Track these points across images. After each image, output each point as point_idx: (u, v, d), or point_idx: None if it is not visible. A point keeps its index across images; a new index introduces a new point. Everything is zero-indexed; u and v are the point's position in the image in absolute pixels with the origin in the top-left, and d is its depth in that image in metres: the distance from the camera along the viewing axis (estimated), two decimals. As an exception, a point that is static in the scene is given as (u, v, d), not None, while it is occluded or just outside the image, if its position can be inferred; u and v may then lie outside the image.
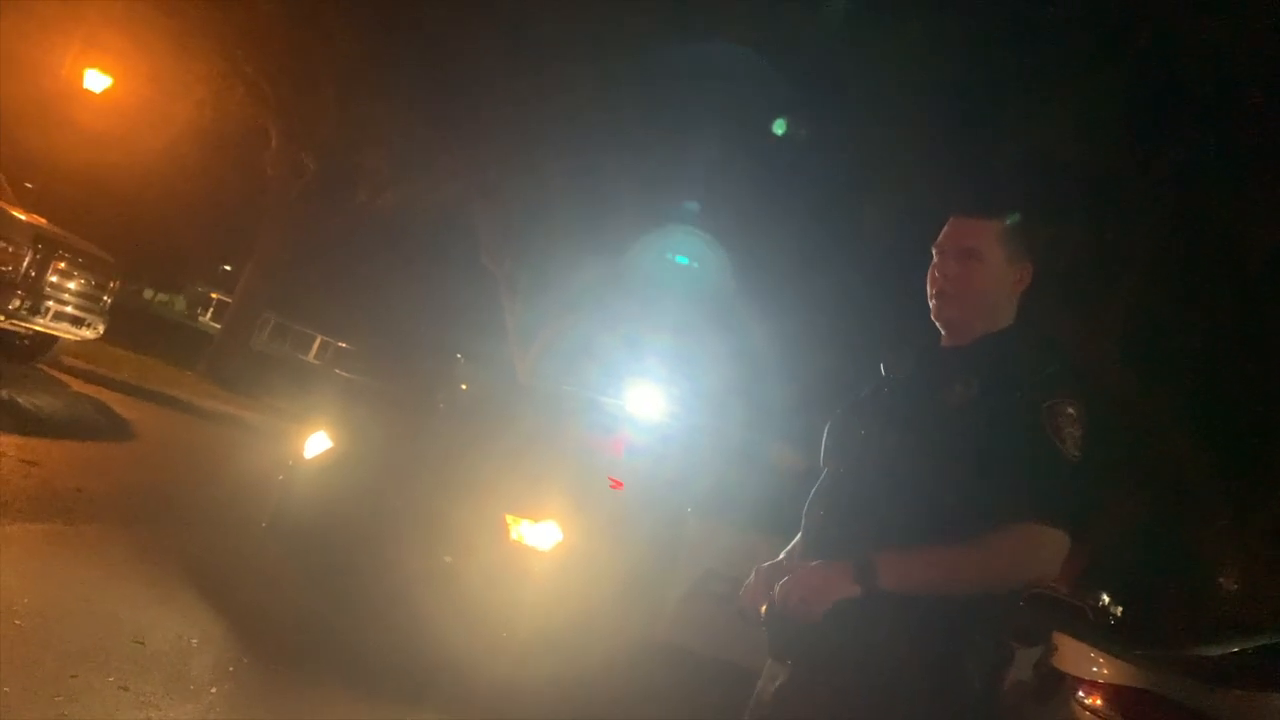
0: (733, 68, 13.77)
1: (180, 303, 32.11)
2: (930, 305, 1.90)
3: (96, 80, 13.90)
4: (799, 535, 1.95)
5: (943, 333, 1.90)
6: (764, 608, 1.78)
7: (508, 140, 14.35)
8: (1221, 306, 13.37)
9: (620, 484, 4.76)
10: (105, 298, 8.75)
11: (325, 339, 24.60)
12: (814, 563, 1.76)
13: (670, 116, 14.00)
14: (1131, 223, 13.24)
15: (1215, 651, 4.91)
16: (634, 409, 6.97)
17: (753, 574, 1.93)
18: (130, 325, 14.43)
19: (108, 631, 3.37)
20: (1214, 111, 12.51)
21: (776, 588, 1.75)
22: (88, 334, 8.76)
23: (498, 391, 10.97)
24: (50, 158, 14.21)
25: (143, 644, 3.37)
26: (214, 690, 3.23)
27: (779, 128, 14.21)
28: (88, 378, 9.51)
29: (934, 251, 1.91)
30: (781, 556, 1.97)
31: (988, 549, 1.63)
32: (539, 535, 4.10)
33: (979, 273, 1.84)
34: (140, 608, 3.73)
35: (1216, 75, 12.02)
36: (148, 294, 30.85)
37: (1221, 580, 14.47)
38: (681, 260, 15.49)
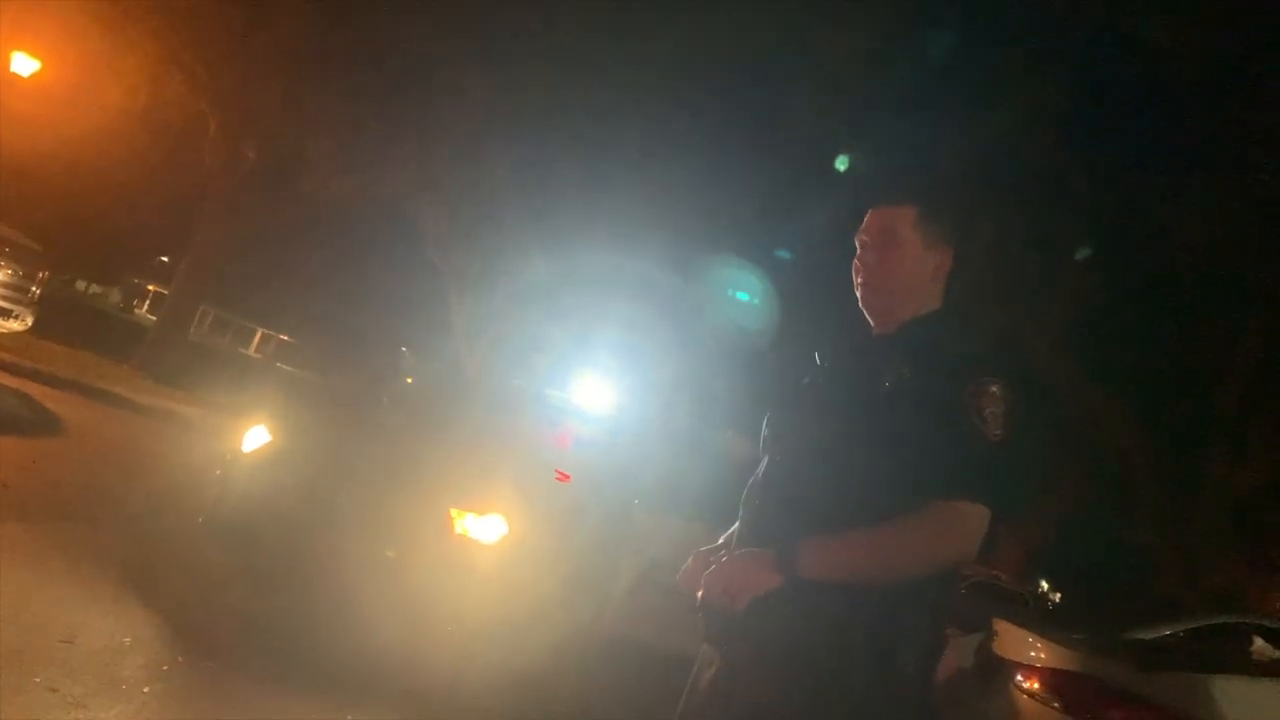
0: (674, 60, 13.80)
1: (115, 295, 31.25)
2: (856, 294, 1.94)
3: (24, 64, 13.44)
4: (737, 522, 1.95)
5: (871, 321, 1.93)
6: (699, 594, 1.78)
7: (455, 132, 14.20)
8: (1158, 292, 13.74)
9: (567, 477, 4.74)
10: (33, 289, 8.49)
11: (267, 332, 24.18)
12: (738, 553, 1.77)
13: (617, 106, 13.97)
14: (1066, 210, 13.54)
15: (1150, 635, 5.04)
16: (581, 401, 6.96)
17: (690, 558, 1.93)
18: (61, 318, 14.01)
19: (35, 632, 3.27)
20: (1147, 99, 12.85)
21: (703, 578, 1.75)
22: (14, 326, 8.49)
23: (443, 385, 10.86)
24: (-25, 144, 13.71)
25: (72, 644, 3.27)
26: (146, 690, 3.14)
27: (714, 120, 14.30)
28: (14, 371, 9.20)
29: (856, 242, 1.95)
30: (720, 542, 1.97)
31: (906, 529, 1.64)
32: (484, 528, 4.06)
33: (897, 259, 1.88)
34: (70, 607, 3.62)
35: (1150, 63, 12.33)
36: (80, 285, 29.98)
37: (1157, 564, 14.88)
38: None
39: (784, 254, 15.38)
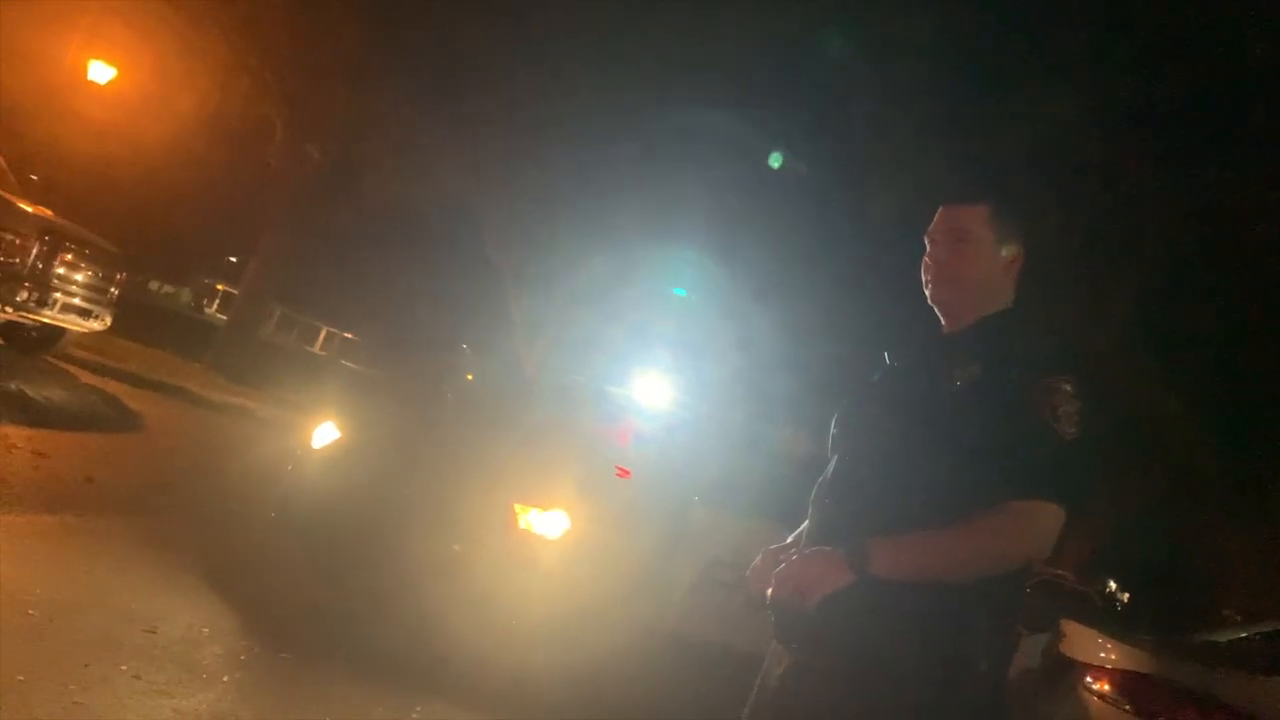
0: (736, 59, 13.76)
1: (186, 295, 32.10)
2: (926, 293, 1.93)
3: (101, 72, 13.91)
4: (806, 521, 1.96)
5: (941, 319, 1.92)
6: (769, 591, 1.79)
7: (515, 130, 14.32)
8: (1231, 292, 13.34)
9: (628, 473, 4.77)
10: (112, 289, 8.77)
11: (331, 330, 24.65)
12: (809, 551, 1.78)
13: (678, 106, 13.98)
14: (1137, 207, 13.21)
15: (1224, 637, 4.91)
16: (641, 398, 6.99)
17: (759, 557, 1.94)
18: (137, 317, 14.44)
19: (120, 621, 3.40)
20: (1217, 95, 12.47)
21: (774, 576, 1.76)
22: (95, 326, 8.79)
23: (505, 382, 10.98)
24: (55, 149, 14.23)
25: (154, 633, 3.40)
26: (225, 679, 3.25)
27: (779, 134, 14.25)
28: (96, 369, 9.54)
29: (926, 240, 1.94)
30: (789, 540, 1.98)
31: (979, 529, 1.64)
32: (547, 524, 4.11)
33: (969, 256, 1.87)
34: (151, 598, 3.76)
35: (1221, 58, 11.97)
36: (153, 286, 30.84)
37: (1229, 566, 14.47)
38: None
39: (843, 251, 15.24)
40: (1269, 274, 12.75)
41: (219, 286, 27.82)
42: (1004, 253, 1.88)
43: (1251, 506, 14.02)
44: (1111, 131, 12.76)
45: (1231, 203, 12.56)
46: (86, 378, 8.98)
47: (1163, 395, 13.91)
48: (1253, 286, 13.05)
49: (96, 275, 8.39)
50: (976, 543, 1.64)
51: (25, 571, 3.50)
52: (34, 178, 9.53)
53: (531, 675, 3.83)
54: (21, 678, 2.72)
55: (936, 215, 1.93)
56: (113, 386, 9.07)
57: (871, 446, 1.86)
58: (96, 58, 13.89)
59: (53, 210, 8.50)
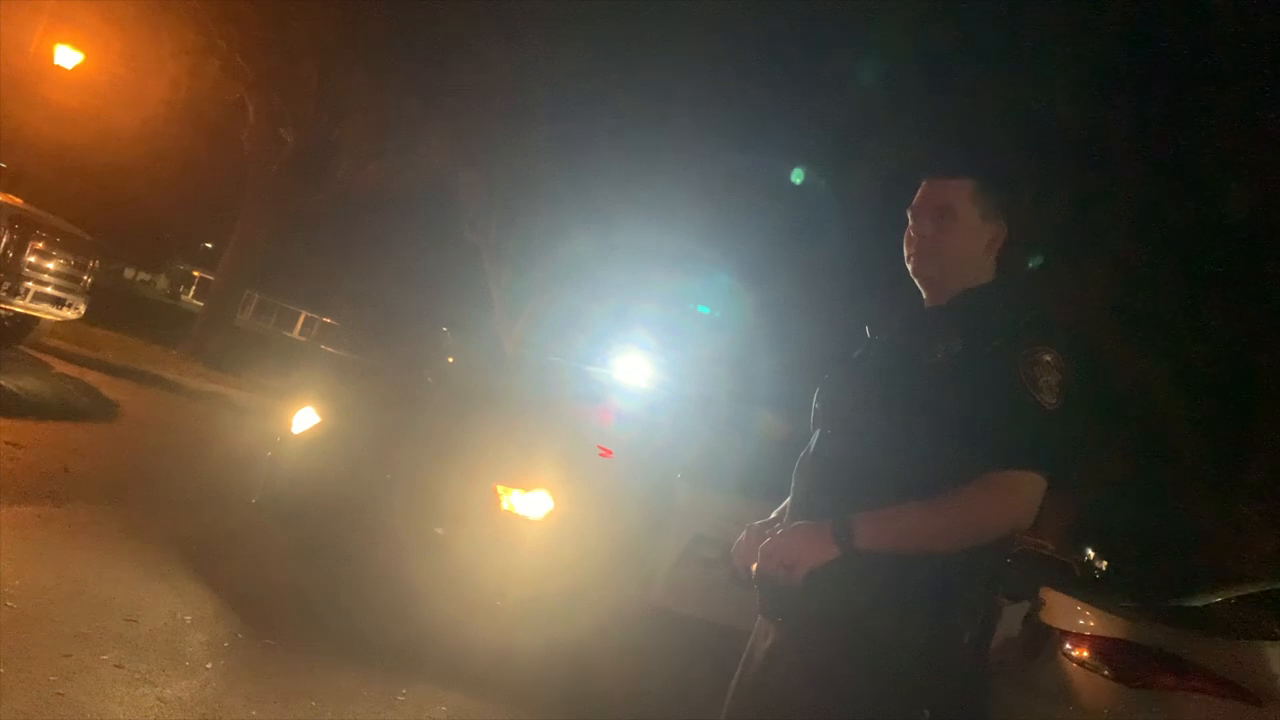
0: (716, 36, 13.68)
1: (162, 282, 31.84)
2: (908, 267, 1.93)
3: (67, 56, 13.68)
4: (789, 497, 1.96)
5: (923, 293, 1.93)
6: (754, 566, 1.79)
7: (491, 109, 14.21)
8: (1208, 264, 13.48)
9: (610, 452, 4.77)
10: (85, 278, 8.67)
11: (310, 315, 24.53)
12: (794, 525, 1.78)
13: (656, 82, 13.89)
14: (1118, 182, 13.29)
15: (1200, 602, 4.99)
16: (622, 377, 6.98)
17: (744, 533, 1.94)
18: (112, 305, 14.31)
19: (101, 611, 3.38)
20: (1198, 71, 12.54)
21: (759, 550, 1.76)
22: (69, 314, 8.69)
23: (485, 363, 10.96)
24: (23, 136, 13.99)
25: (136, 622, 3.38)
26: (209, 666, 3.24)
27: (765, 99, 14.17)
28: (71, 358, 9.45)
29: (909, 214, 1.93)
30: (773, 516, 1.98)
31: (961, 499, 1.65)
32: (530, 504, 4.11)
33: (952, 230, 1.87)
34: (132, 586, 3.74)
35: (1201, 33, 12.03)
36: (128, 273, 30.57)
37: (1206, 532, 14.68)
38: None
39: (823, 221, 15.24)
40: (1245, 245, 12.89)
41: (195, 273, 27.61)
42: (987, 228, 1.88)
43: (1225, 473, 14.22)
44: (1095, 104, 12.82)
45: (1208, 176, 12.67)
46: (61, 367, 8.89)
47: (1139, 364, 14.06)
48: (1229, 257, 13.20)
49: (69, 263, 8.29)
50: (959, 514, 1.65)
51: (3, 563, 3.47)
52: (2, 166, 9.39)
53: (516, 655, 3.84)
54: (2, 670, 2.70)
55: (920, 189, 1.93)
56: (89, 375, 8.98)
57: (853, 420, 1.86)
58: (63, 42, 13.65)
59: (22, 199, 8.38)
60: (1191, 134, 12.75)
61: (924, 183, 1.93)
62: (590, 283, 16.41)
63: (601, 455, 4.74)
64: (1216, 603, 4.61)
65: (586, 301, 16.57)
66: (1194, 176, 12.82)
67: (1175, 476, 15.28)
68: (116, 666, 2.99)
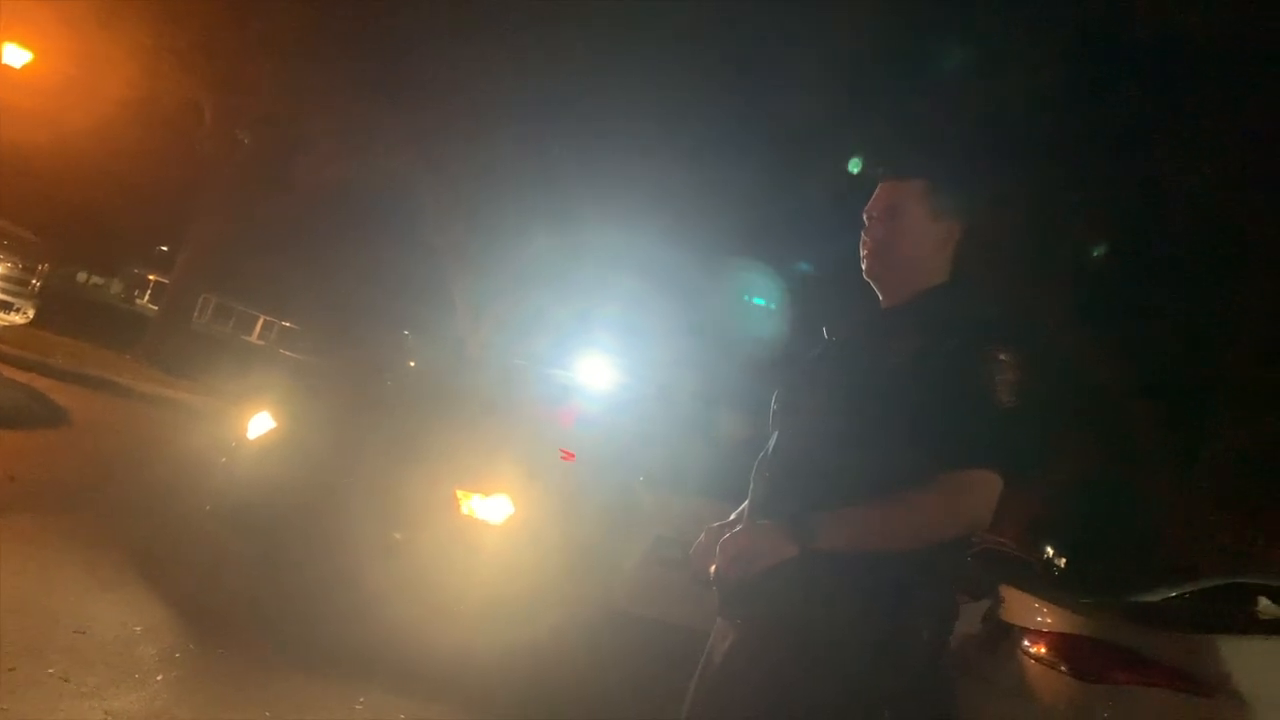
0: (679, 38, 13.71)
1: (116, 285, 31.21)
2: (863, 268, 1.94)
3: (15, 55, 13.34)
4: (748, 498, 1.96)
5: (879, 295, 1.94)
6: (713, 567, 1.79)
7: (452, 109, 14.11)
8: (1161, 259, 13.74)
9: (572, 455, 4.74)
10: (33, 281, 8.50)
11: (269, 319, 24.18)
12: (754, 523, 1.79)
13: (619, 82, 13.88)
14: (1076, 182, 13.51)
15: (1156, 597, 5.07)
16: (584, 380, 6.95)
17: (703, 534, 1.94)
18: (62, 309, 14.00)
19: (47, 623, 3.29)
20: (1158, 73, 12.79)
21: (718, 547, 1.76)
22: (16, 319, 8.50)
23: (446, 366, 10.87)
24: (-33, 138, 13.64)
25: (84, 634, 3.30)
26: (160, 678, 3.17)
27: (718, 95, 14.22)
28: (18, 364, 9.23)
29: (864, 216, 1.95)
30: (732, 517, 1.98)
31: (920, 499, 1.65)
32: (490, 509, 4.07)
33: (901, 231, 1.88)
34: (81, 598, 3.65)
35: (1157, 33, 12.28)
36: (81, 277, 29.92)
37: (1161, 528, 14.95)
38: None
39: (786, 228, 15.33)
40: (1202, 244, 13.16)
41: (150, 277, 27.04)
42: (937, 228, 1.88)
43: (1182, 468, 14.49)
44: (1054, 104, 13.02)
45: (1166, 176, 12.92)
46: (8, 372, 8.67)
47: (1096, 360, 14.29)
48: (1187, 257, 13.45)
49: (15, 266, 8.12)
50: (918, 513, 1.66)
51: (-56, 575, 3.37)
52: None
53: (476, 660, 3.80)
54: (-60, 685, 2.62)
55: (875, 191, 1.94)
56: (37, 381, 8.78)
57: (811, 422, 1.87)
58: (10, 40, 13.32)
59: (-34, 200, 8.17)
60: (1153, 136, 12.99)
61: (879, 184, 1.95)
62: (553, 284, 16.35)
63: (563, 458, 4.71)
64: (1172, 598, 4.69)
65: (549, 303, 16.51)
66: (1153, 172, 13.07)
67: (1132, 474, 15.54)
68: (63, 680, 2.91)
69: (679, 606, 4.20)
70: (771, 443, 1.94)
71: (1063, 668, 3.57)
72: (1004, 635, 3.90)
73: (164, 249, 29.53)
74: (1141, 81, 13.09)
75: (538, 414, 5.60)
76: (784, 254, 15.11)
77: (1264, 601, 4.86)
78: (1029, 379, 1.72)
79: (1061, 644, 3.63)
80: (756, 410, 2.16)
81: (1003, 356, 1.71)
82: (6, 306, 8.13)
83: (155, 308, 20.83)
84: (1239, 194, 12.43)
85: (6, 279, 8.00)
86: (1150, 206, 13.36)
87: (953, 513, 1.67)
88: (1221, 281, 13.32)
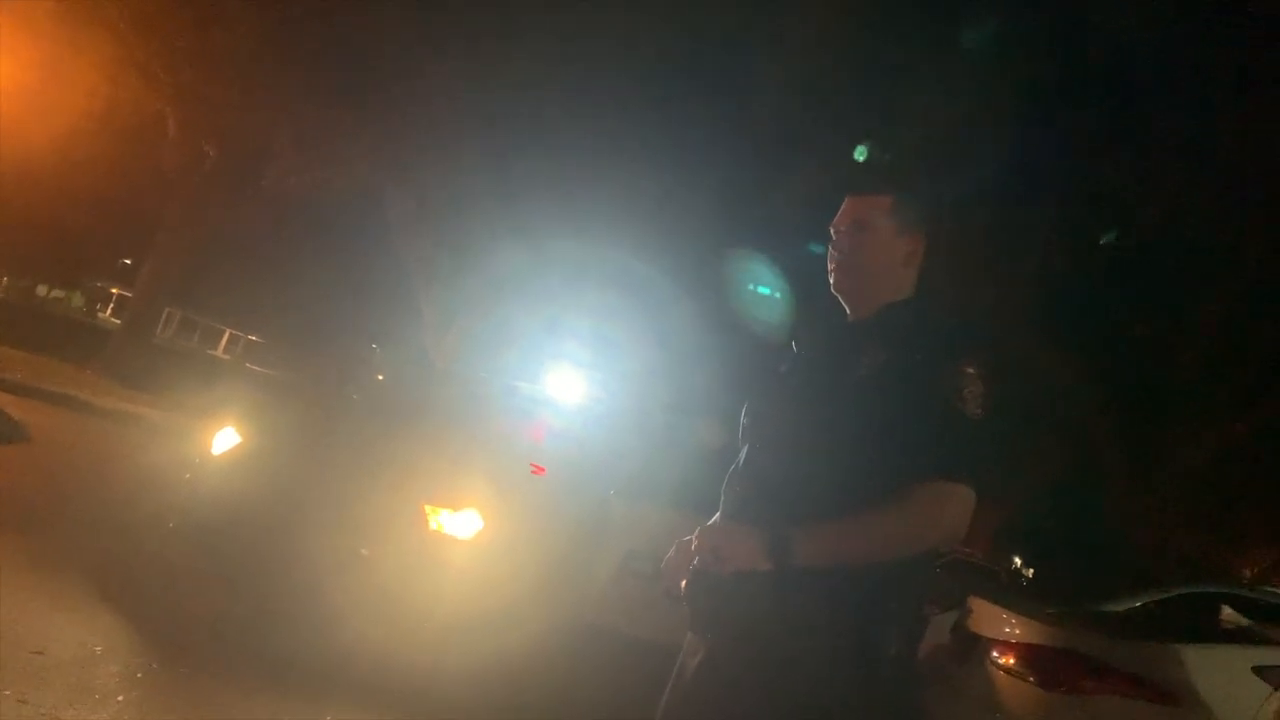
0: (646, 51, 13.76)
1: (77, 299, 30.74)
2: (830, 281, 1.95)
3: (-25, 67, 13.14)
4: (718, 513, 1.95)
5: (846, 309, 1.95)
6: (684, 582, 1.79)
7: (419, 121, 14.05)
8: (1123, 275, 13.96)
9: (542, 469, 4.71)
10: (-9, 294, 8.32)
11: (234, 333, 23.95)
12: (733, 524, 1.79)
13: (587, 92, 13.91)
14: (1037, 195, 13.71)
15: (1122, 607, 5.12)
16: (555, 393, 6.93)
17: (673, 548, 1.93)
18: (21, 323, 13.80)
19: (4, 644, 3.21)
20: (1116, 88, 13.04)
21: (694, 540, 1.75)
22: (-26, 333, 8.32)
23: (414, 379, 10.79)
24: (-75, 149, 13.40)
25: (42, 654, 3.22)
26: (120, 698, 3.10)
27: (690, 115, 14.29)
28: (-24, 379, 9.04)
29: (831, 231, 1.96)
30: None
31: (894, 513, 1.65)
32: (459, 524, 4.03)
33: (867, 245, 1.89)
34: (39, 617, 3.56)
35: (1116, 50, 12.52)
36: (41, 290, 29.45)
37: (1126, 538, 15.14)
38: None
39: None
40: (1161, 252, 13.40)
41: (113, 290, 26.69)
42: (903, 242, 1.90)
43: (1146, 478, 14.69)
44: (1016, 118, 13.22)
45: (1126, 186, 13.16)
46: (-35, 388, 8.50)
47: (1059, 371, 14.48)
48: (1147, 265, 13.69)
49: (-27, 279, 7.94)
50: (893, 527, 1.66)
51: (-105, 596, 3.28)
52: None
53: (444, 677, 3.76)
54: (-109, 710, 2.54)
55: (842, 206, 1.96)
56: (-5, 396, 8.61)
57: (780, 435, 1.87)
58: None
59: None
60: (1112, 149, 13.22)
61: (846, 199, 1.96)
62: (522, 296, 16.30)
63: (533, 473, 4.68)
64: (1137, 607, 4.74)
65: (518, 315, 16.46)
66: (1118, 189, 13.31)
67: (1096, 484, 15.73)
68: (20, 701, 2.84)
69: (651, 621, 4.18)
70: (742, 456, 1.94)
71: (1031, 678, 3.59)
72: (973, 646, 3.92)
73: (127, 262, 29.12)
74: (1101, 92, 13.35)
75: (507, 428, 5.56)
76: (755, 259, 15.18)
77: (1227, 610, 4.92)
78: (994, 391, 1.73)
79: (1029, 654, 3.65)
80: (727, 421, 2.16)
81: (970, 369, 1.72)
82: (-37, 320, 7.95)
83: (118, 321, 20.53)
84: (1202, 198, 12.70)
85: (-38, 292, 7.83)
86: (1110, 218, 13.60)
87: (929, 525, 1.67)
88: (1180, 287, 13.56)
